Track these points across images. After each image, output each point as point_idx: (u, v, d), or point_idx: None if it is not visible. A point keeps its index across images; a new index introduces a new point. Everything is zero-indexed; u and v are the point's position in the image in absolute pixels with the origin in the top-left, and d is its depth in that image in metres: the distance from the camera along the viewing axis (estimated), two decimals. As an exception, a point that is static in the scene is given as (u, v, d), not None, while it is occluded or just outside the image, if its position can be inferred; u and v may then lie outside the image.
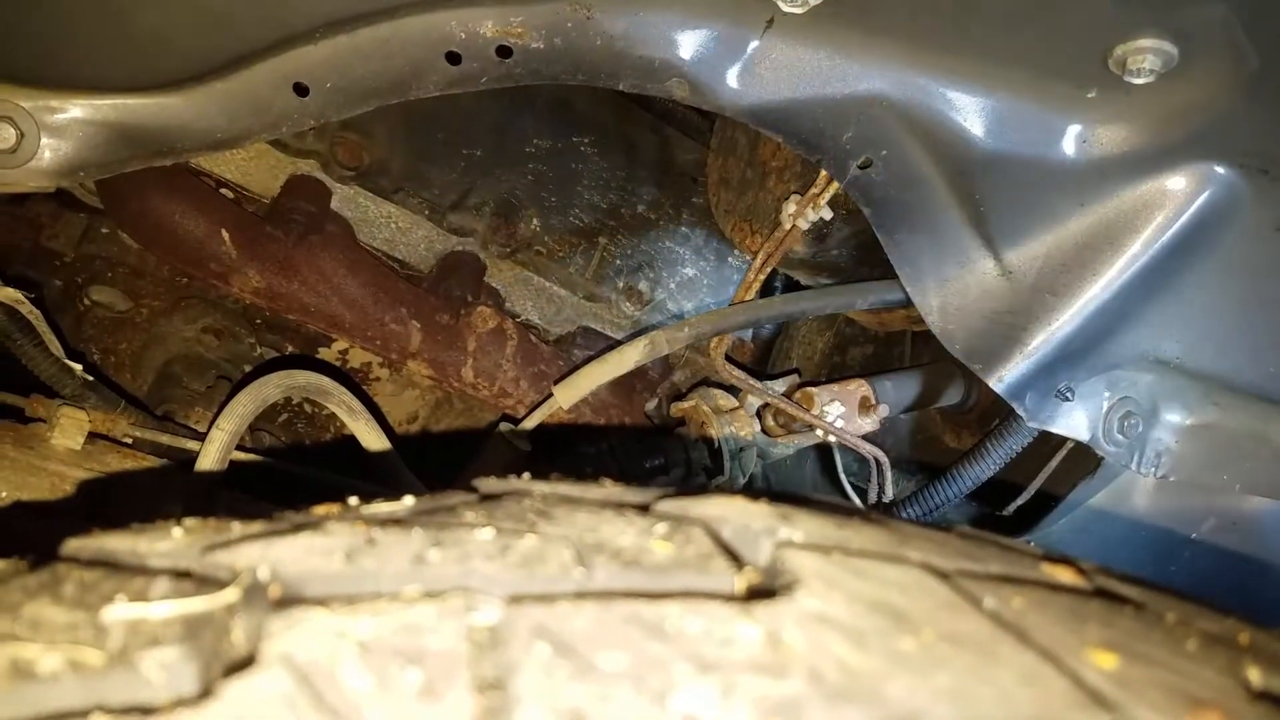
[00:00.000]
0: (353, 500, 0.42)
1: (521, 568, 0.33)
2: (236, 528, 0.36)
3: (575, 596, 0.31)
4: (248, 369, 1.42)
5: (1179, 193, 0.87)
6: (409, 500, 0.41)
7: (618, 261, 1.55)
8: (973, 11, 0.79)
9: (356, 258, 1.31)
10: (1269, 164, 0.83)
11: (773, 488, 1.49)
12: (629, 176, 1.52)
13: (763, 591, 0.37)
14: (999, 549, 0.47)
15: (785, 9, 0.78)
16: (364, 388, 1.50)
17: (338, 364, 1.48)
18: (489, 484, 0.46)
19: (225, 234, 1.22)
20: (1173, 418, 0.99)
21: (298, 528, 0.35)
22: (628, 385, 1.53)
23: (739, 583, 0.37)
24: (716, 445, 1.42)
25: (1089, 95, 0.83)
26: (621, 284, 1.55)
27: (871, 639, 0.33)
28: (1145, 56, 0.76)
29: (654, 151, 1.56)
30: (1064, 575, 0.45)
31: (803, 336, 1.67)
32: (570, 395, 1.28)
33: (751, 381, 1.37)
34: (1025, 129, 0.88)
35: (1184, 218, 0.88)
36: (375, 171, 1.32)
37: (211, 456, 1.14)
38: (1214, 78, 0.77)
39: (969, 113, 0.89)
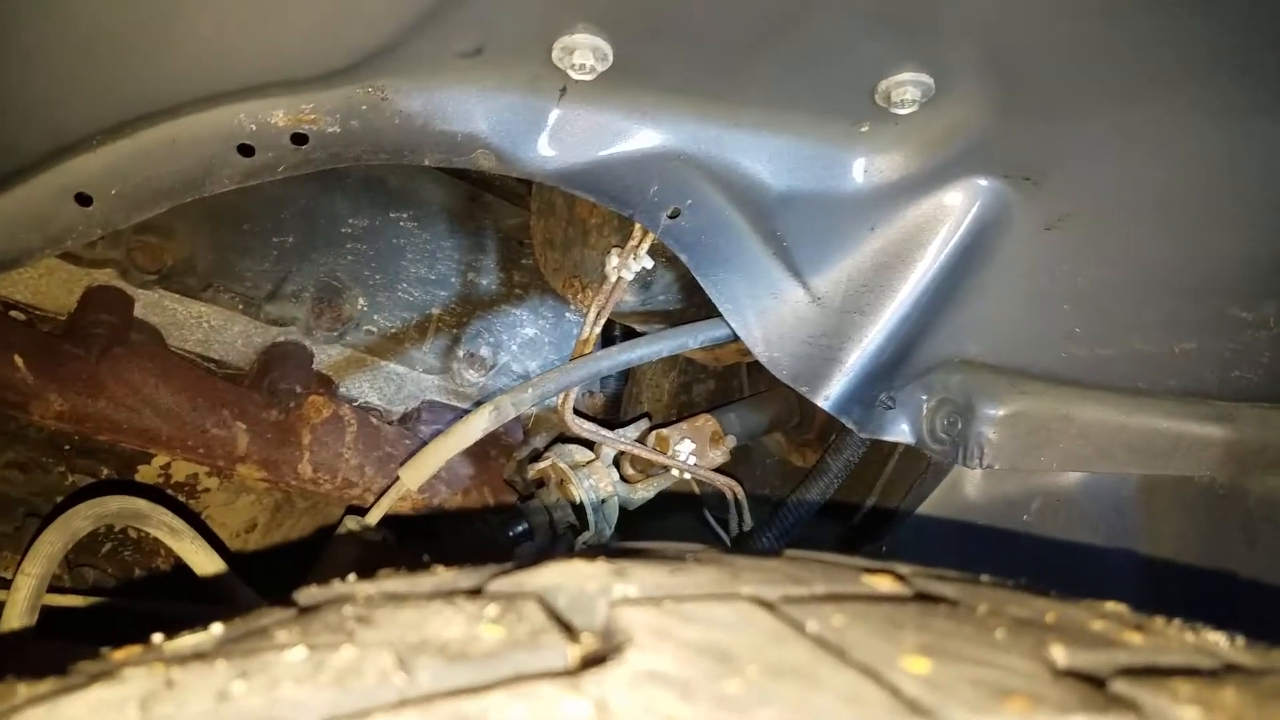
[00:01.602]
0: (157, 637, 0.39)
1: (335, 686, 0.31)
2: (22, 691, 0.33)
3: (394, 707, 0.31)
4: (61, 500, 1.32)
5: (955, 207, 0.95)
6: (217, 628, 0.39)
7: (454, 330, 1.53)
8: (746, 66, 0.84)
9: (167, 365, 1.24)
10: (1030, 172, 0.91)
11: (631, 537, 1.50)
12: (455, 246, 1.52)
13: (596, 659, 0.37)
14: (823, 567, 0.50)
15: (575, 77, 0.81)
16: (192, 502, 1.41)
17: (159, 481, 1.39)
18: (309, 594, 0.44)
19: (19, 360, 1.14)
20: (987, 411, 1.06)
21: (92, 679, 0.33)
22: (482, 454, 1.52)
23: (572, 654, 0.37)
24: (579, 502, 1.42)
25: (863, 129, 0.90)
26: (462, 352, 1.54)
27: (698, 687, 0.34)
28: (906, 89, 0.83)
29: (476, 219, 1.56)
30: (883, 584, 0.47)
31: (649, 380, 1.70)
32: (418, 475, 1.25)
33: (603, 432, 1.38)
34: (811, 166, 0.94)
35: (963, 229, 0.95)
36: (180, 271, 1.27)
37: (19, 606, 1.04)
38: (970, 101, 0.85)
39: (759, 157, 0.94)
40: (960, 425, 1.07)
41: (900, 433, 1.09)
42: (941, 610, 0.44)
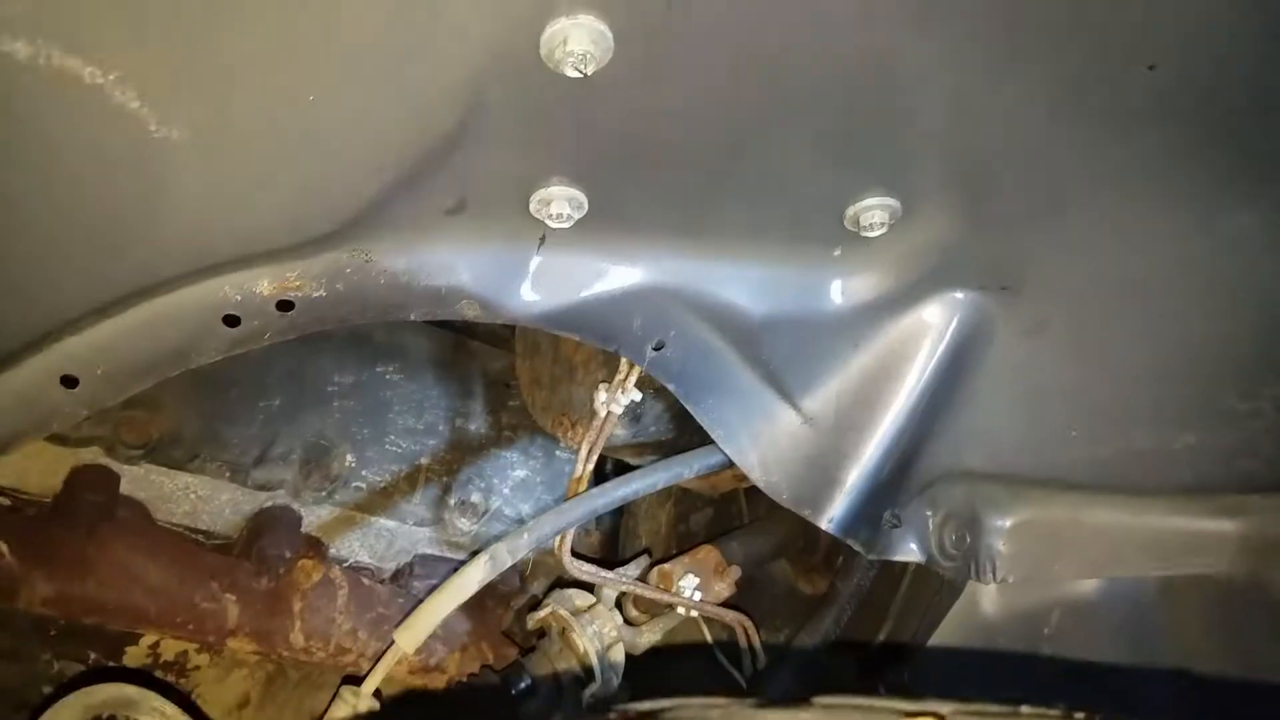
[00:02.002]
0: None
1: None
2: None
3: None
4: (48, 690, 1.26)
5: (935, 321, 0.96)
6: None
7: (444, 479, 1.51)
8: (717, 203, 0.87)
9: (155, 540, 1.21)
10: (1005, 281, 0.93)
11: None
12: (441, 394, 1.52)
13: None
14: (860, 714, 0.47)
15: (554, 226, 0.83)
16: (182, 681, 1.35)
17: (148, 663, 1.33)
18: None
19: (3, 546, 1.11)
20: (994, 523, 1.04)
21: None
22: (479, 607, 1.47)
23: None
24: (583, 651, 1.36)
25: (836, 253, 0.91)
26: (453, 501, 1.51)
27: None
28: (873, 212, 0.85)
29: (462, 365, 1.57)
30: None
31: (645, 514, 1.67)
32: (413, 637, 1.20)
33: (603, 573, 1.34)
34: (791, 291, 0.96)
35: (945, 341, 0.96)
36: (166, 444, 1.25)
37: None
38: (937, 219, 0.87)
39: (739, 286, 0.96)
40: (969, 539, 1.05)
41: (909, 551, 1.06)
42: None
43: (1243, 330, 0.85)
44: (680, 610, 1.41)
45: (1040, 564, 1.04)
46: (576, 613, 1.39)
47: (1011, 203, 0.82)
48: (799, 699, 0.50)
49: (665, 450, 1.35)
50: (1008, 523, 1.02)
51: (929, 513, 1.05)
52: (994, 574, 1.02)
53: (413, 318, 0.91)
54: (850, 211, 0.85)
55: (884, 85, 0.70)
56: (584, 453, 1.27)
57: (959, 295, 0.94)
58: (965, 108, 0.72)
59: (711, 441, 1.06)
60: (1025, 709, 0.48)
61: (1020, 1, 0.60)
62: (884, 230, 0.85)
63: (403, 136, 0.72)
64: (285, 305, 0.84)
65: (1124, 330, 0.90)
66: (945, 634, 1.19)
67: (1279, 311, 0.83)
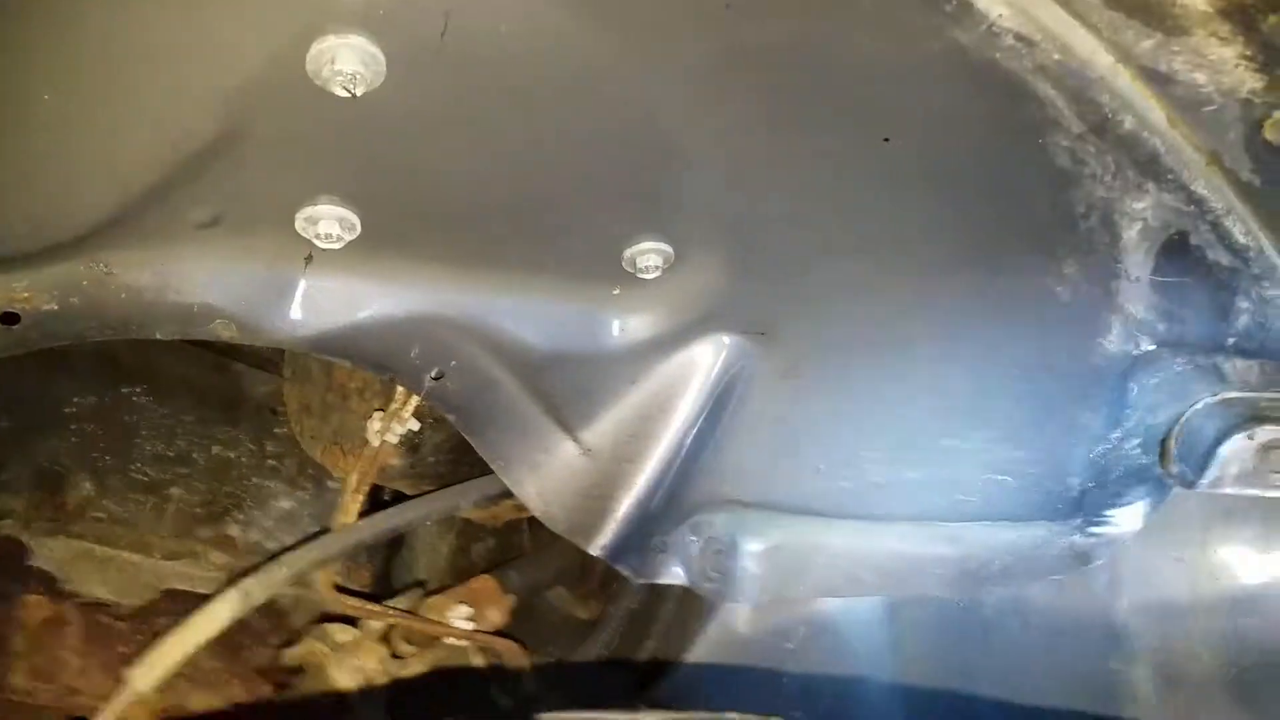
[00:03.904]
0: None
1: None
2: None
3: None
4: None
5: (704, 361, 1.02)
6: None
7: (197, 510, 1.41)
8: (497, 237, 0.88)
9: None
10: (763, 328, 1.00)
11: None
12: (198, 419, 1.42)
13: None
14: None
15: (322, 246, 0.80)
16: None
17: None
18: None
19: None
20: (750, 547, 1.12)
21: None
22: (233, 645, 1.38)
23: None
24: (341, 686, 1.31)
25: (615, 292, 0.95)
26: (207, 533, 1.42)
27: None
28: (649, 255, 0.89)
29: (222, 389, 1.48)
30: None
31: (425, 545, 1.64)
32: (151, 676, 1.11)
33: (369, 606, 1.31)
34: (572, 326, 0.98)
35: (712, 380, 1.03)
36: None
37: None
38: (707, 267, 0.93)
39: (520, 320, 0.97)
40: (727, 563, 1.12)
41: (674, 575, 1.12)
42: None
43: (958, 381, 0.97)
44: (452, 640, 1.40)
45: (788, 585, 1.13)
46: (336, 648, 1.35)
47: (769, 258, 0.89)
48: (525, 717, 0.52)
49: (444, 481, 1.34)
50: (761, 547, 1.10)
51: (693, 538, 1.12)
52: (745, 594, 1.10)
53: (159, 336, 0.85)
54: (628, 253, 0.90)
55: (657, 141, 0.75)
56: (353, 483, 1.23)
57: (725, 339, 1.00)
58: (731, 171, 0.78)
59: (491, 472, 1.07)
60: (731, 715, 0.53)
61: (775, 82, 0.66)
62: (659, 273, 0.90)
63: (152, 145, 0.68)
64: (10, 318, 0.77)
65: (862, 377, 1.00)
66: (702, 650, 1.26)
67: (986, 367, 0.95)
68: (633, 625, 1.42)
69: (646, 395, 1.04)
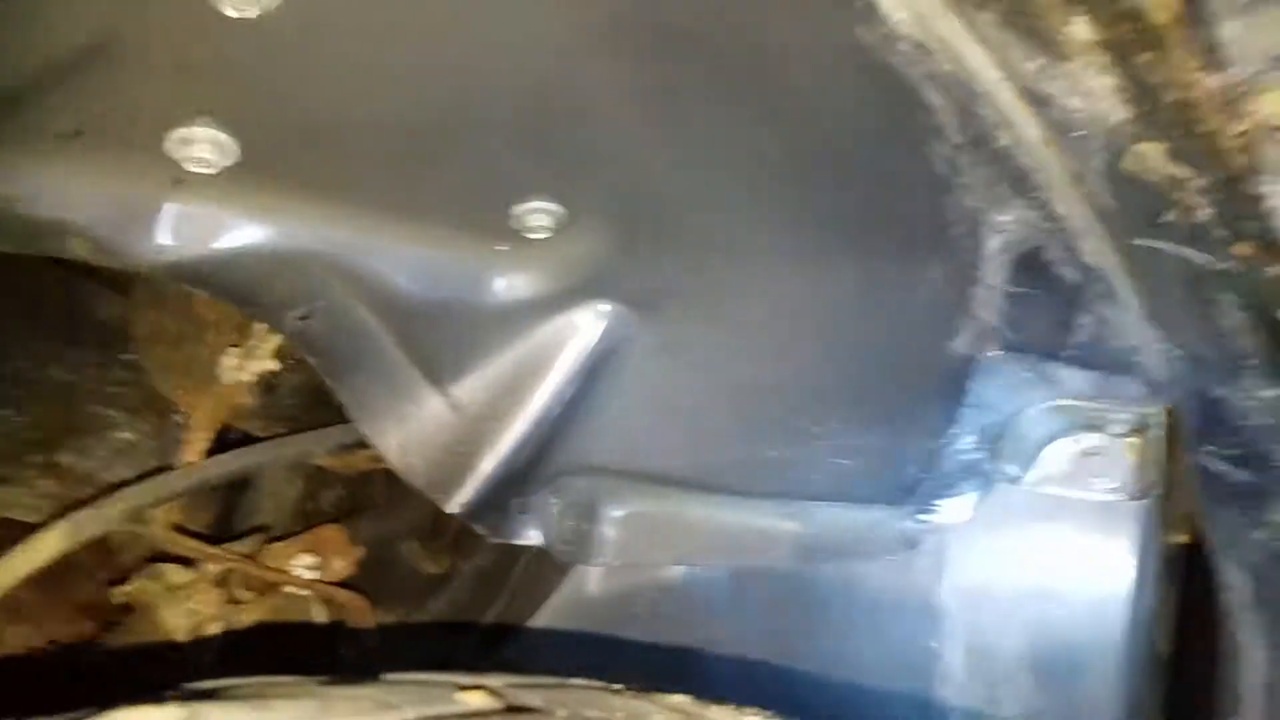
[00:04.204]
0: None
1: None
2: None
3: None
4: None
5: (585, 326, 1.03)
6: None
7: (24, 435, 1.32)
8: (384, 177, 0.86)
9: None
10: (648, 300, 1.02)
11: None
12: (36, 338, 1.32)
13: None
14: (418, 688, 0.51)
15: (193, 170, 0.77)
16: None
17: None
18: None
19: None
20: (610, 513, 1.14)
21: None
22: (58, 579, 1.29)
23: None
24: (171, 628, 1.26)
25: (500, 249, 0.95)
26: (38, 459, 1.32)
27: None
28: (539, 215, 0.89)
29: (66, 308, 1.37)
30: (475, 700, 0.50)
31: (271, 489, 1.58)
32: (-37, 610, 1.04)
33: (207, 549, 1.26)
34: (452, 278, 0.97)
35: (591, 346, 1.04)
36: None
37: None
38: (597, 234, 0.94)
39: (399, 265, 0.95)
40: (585, 526, 1.14)
41: (530, 536, 1.13)
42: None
43: (821, 369, 1.02)
44: (293, 589, 1.37)
45: (643, 551, 1.16)
46: (169, 589, 1.29)
47: (659, 232, 0.91)
48: (367, 676, 0.53)
49: (298, 424, 1.30)
50: (621, 512, 1.13)
51: (553, 500, 1.13)
52: (601, 558, 1.12)
53: (4, 249, 0.80)
54: (518, 211, 0.89)
55: (557, 99, 0.75)
56: (201, 419, 1.18)
57: (607, 307, 1.01)
58: (630, 140, 0.79)
59: (349, 419, 1.04)
60: (574, 681, 0.56)
61: (686, 56, 0.68)
62: (547, 235, 0.90)
63: (14, 48, 0.63)
64: None
65: (734, 357, 1.04)
66: (551, 614, 1.29)
67: (848, 358, 1.00)
68: (483, 584, 1.43)
69: (522, 355, 1.04)
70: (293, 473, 1.58)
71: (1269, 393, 0.75)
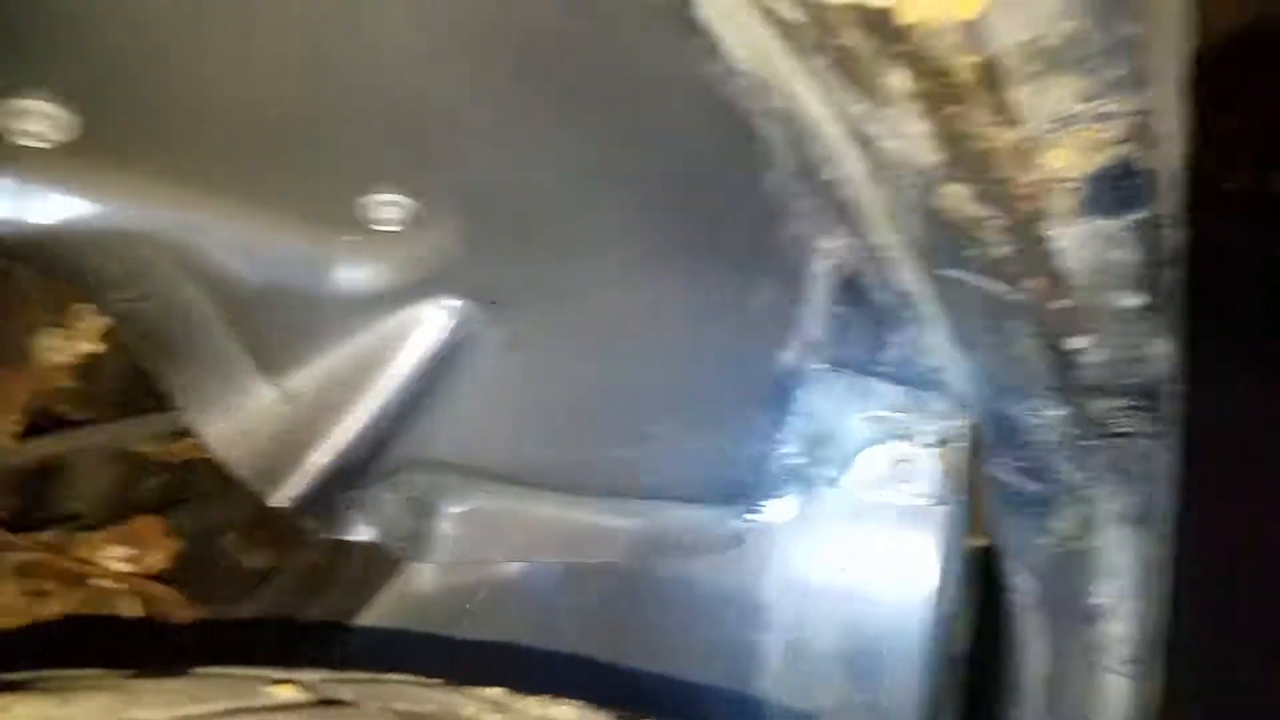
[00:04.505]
0: None
1: None
2: None
3: None
4: None
5: (431, 321, 1.02)
6: None
7: None
8: (227, 160, 0.83)
9: None
10: (496, 297, 1.03)
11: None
12: None
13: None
14: (229, 682, 0.51)
15: (24, 143, 0.72)
16: None
17: None
18: None
19: None
20: (448, 508, 1.14)
21: None
22: None
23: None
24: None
25: (345, 238, 0.93)
26: None
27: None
28: (387, 208, 0.88)
29: None
30: (285, 693, 0.50)
31: (84, 476, 1.48)
32: None
33: (9, 537, 1.18)
34: (293, 265, 0.95)
35: (434, 343, 1.03)
36: None
37: None
38: (448, 231, 0.94)
39: (236, 250, 0.92)
40: (422, 522, 1.13)
41: (364, 532, 1.11)
42: (333, 713, 0.49)
43: (662, 373, 1.06)
44: (104, 582, 1.29)
45: (481, 548, 1.17)
46: (-38, 581, 1.19)
47: (510, 231, 0.92)
48: (177, 669, 0.52)
49: (120, 409, 1.23)
50: (459, 509, 1.13)
51: (389, 496, 1.12)
52: (437, 554, 1.12)
53: None
54: (365, 202, 0.88)
55: (411, 90, 0.75)
56: (13, 400, 1.10)
57: (455, 302, 1.01)
58: (484, 139, 0.80)
59: (173, 406, 1.00)
60: (390, 676, 0.57)
61: (543, 63, 0.69)
62: (396, 227, 0.89)
63: None
64: None
65: (580, 358, 1.06)
66: (382, 610, 1.27)
67: (687, 364, 1.04)
68: (310, 580, 1.39)
69: (363, 348, 1.03)
70: (109, 460, 1.49)
71: (1054, 413, 0.84)
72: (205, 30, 0.67)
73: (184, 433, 1.22)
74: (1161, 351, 0.72)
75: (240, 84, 0.74)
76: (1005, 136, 0.53)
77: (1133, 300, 0.67)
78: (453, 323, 1.06)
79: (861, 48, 0.49)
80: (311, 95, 0.76)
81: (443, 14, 0.66)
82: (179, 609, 1.37)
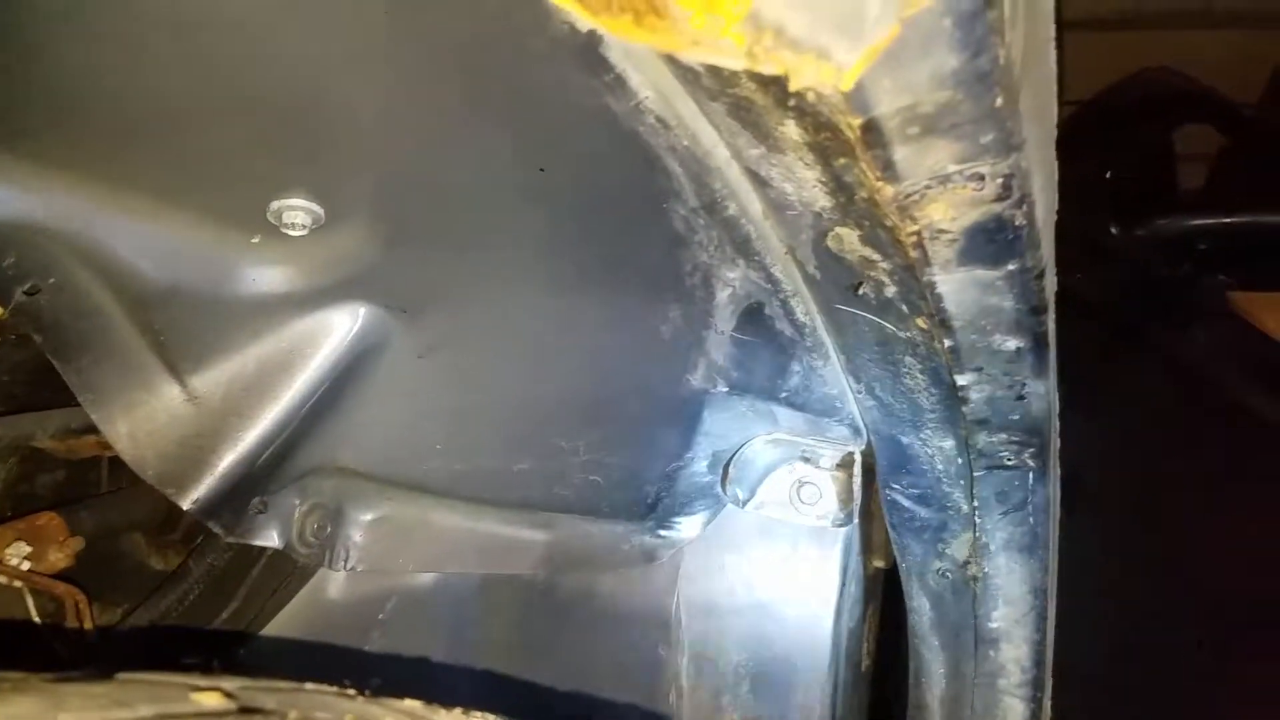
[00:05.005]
0: None
1: None
2: None
3: None
4: None
5: (339, 327, 1.02)
6: None
7: None
8: (135, 153, 0.82)
9: None
10: (405, 305, 1.03)
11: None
12: None
13: None
14: (152, 688, 0.51)
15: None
16: None
17: None
18: None
19: None
20: (357, 516, 1.14)
21: None
22: None
23: None
24: None
25: (254, 241, 0.93)
26: None
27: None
28: (296, 213, 0.88)
29: None
30: (210, 701, 0.50)
31: (-23, 467, 1.44)
32: None
33: (-103, 533, 1.13)
34: (200, 266, 0.94)
35: (344, 347, 1.03)
36: None
37: None
38: (357, 236, 0.94)
39: (143, 248, 0.91)
40: (330, 529, 1.13)
41: (269, 537, 1.11)
42: (257, 721, 0.49)
43: (572, 390, 1.07)
44: (2, 579, 1.25)
45: (389, 556, 1.16)
46: None
47: (420, 240, 0.92)
48: (100, 674, 0.52)
49: (17, 405, 1.20)
50: (368, 516, 1.13)
51: (296, 502, 1.11)
52: (345, 562, 1.12)
53: None
54: (274, 206, 0.87)
55: (320, 98, 0.75)
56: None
57: (363, 309, 1.01)
58: (393, 150, 0.80)
59: (76, 403, 0.98)
60: (309, 686, 0.57)
61: (448, 82, 0.70)
62: (304, 232, 0.89)
63: None
64: None
65: (489, 369, 1.07)
66: (290, 617, 1.26)
67: (596, 383, 1.06)
68: (216, 584, 1.37)
69: (270, 351, 1.02)
70: (7, 454, 1.45)
71: (944, 444, 0.87)
72: (92, 25, 0.66)
73: (87, 430, 1.19)
74: (1040, 390, 0.76)
75: (145, 85, 0.73)
76: (888, 190, 0.56)
77: (1011, 343, 0.70)
78: (362, 329, 1.05)
79: (757, 100, 0.51)
80: (219, 101, 0.75)
81: (343, 24, 0.67)
82: (81, 610, 1.34)
